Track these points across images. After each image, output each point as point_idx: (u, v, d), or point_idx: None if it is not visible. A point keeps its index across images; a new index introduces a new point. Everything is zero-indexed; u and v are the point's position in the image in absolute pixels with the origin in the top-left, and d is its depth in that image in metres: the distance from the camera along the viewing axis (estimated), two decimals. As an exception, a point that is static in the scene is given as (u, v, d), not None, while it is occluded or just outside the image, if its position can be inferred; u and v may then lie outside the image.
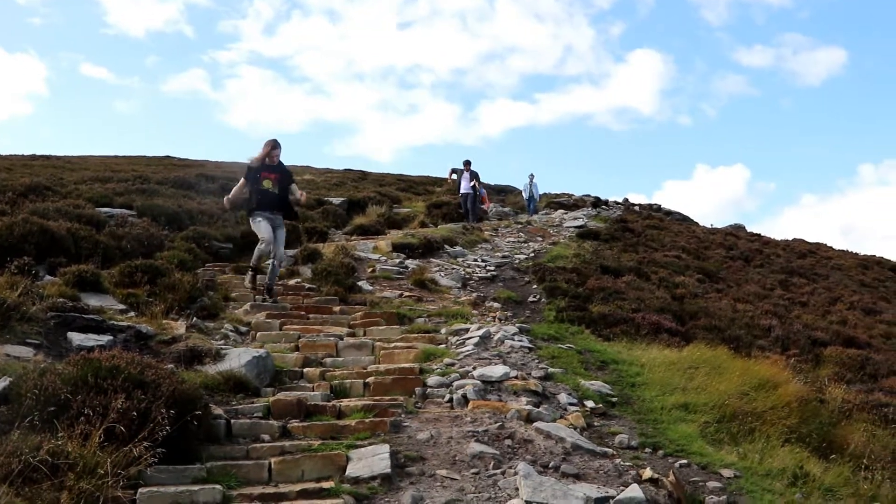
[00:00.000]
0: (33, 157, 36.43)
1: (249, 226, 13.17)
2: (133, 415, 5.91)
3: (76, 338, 8.99)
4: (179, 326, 10.21)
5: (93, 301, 10.62)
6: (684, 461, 7.25)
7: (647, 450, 7.49)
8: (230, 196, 13.06)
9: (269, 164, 12.73)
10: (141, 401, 6.03)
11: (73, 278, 11.08)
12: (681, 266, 22.17)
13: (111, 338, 9.10)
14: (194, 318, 10.71)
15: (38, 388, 6.08)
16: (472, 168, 28.25)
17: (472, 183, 27.81)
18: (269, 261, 12.71)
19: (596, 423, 8.13)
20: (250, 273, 13.03)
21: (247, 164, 12.97)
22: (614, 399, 8.97)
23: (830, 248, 37.67)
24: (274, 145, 12.78)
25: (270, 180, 12.67)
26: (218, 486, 5.81)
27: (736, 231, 39.10)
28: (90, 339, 8.93)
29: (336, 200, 26.83)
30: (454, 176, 29.47)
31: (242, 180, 12.87)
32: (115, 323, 9.71)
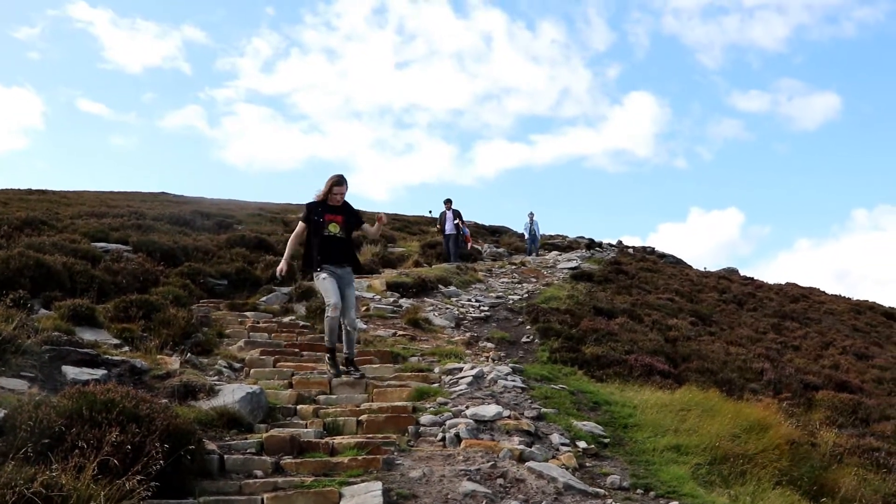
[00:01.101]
0: (29, 192, 36.49)
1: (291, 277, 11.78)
2: (127, 448, 5.93)
3: (71, 371, 9.01)
4: (174, 362, 10.23)
5: (88, 335, 10.65)
6: (676, 503, 7.28)
7: (639, 491, 7.52)
8: (289, 246, 10.73)
9: (333, 204, 10.35)
10: (135, 434, 6.05)
11: (68, 312, 11.12)
12: (674, 309, 22.24)
13: (106, 372, 9.12)
14: (189, 354, 10.74)
15: (34, 420, 6.10)
16: (453, 206, 27.97)
17: (456, 222, 27.53)
18: (344, 329, 10.43)
19: (588, 464, 8.15)
20: (328, 358, 10.50)
21: (305, 204, 10.71)
22: (606, 440, 8.99)
23: (823, 292, 37.83)
24: (338, 181, 10.30)
25: (337, 224, 10.31)
26: (210, 522, 5.82)
27: (729, 274, 39.23)
28: (84, 373, 8.96)
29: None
30: (437, 226, 29.32)
31: (301, 224, 10.51)
32: (110, 357, 9.74)
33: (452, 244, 27.42)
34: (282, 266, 10.57)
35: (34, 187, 39.01)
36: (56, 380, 8.83)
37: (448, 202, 28.04)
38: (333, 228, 10.27)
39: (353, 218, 10.53)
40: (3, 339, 8.76)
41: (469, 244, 29.54)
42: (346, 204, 10.51)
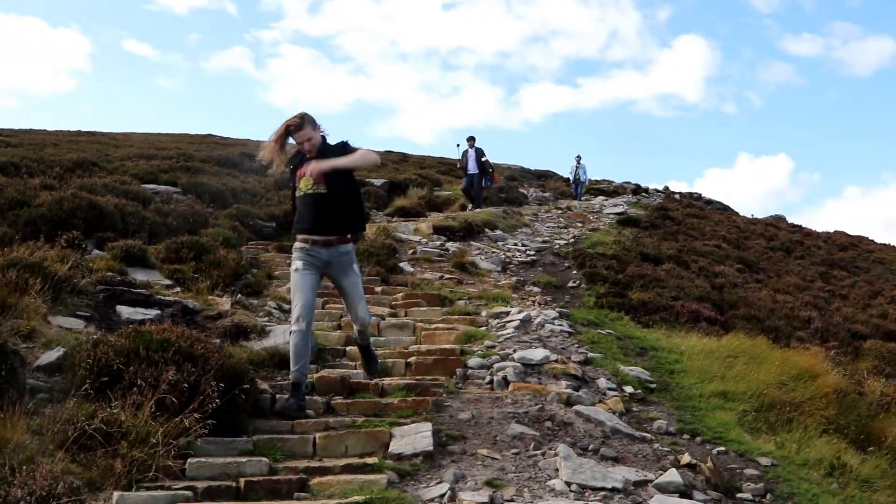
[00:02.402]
0: (78, 133, 36.87)
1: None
2: (183, 387, 6.07)
3: (125, 311, 9.19)
4: (224, 303, 10.37)
5: (140, 276, 10.81)
6: (722, 448, 7.32)
7: (686, 436, 7.56)
8: None
9: (306, 153, 7.33)
10: (191, 374, 6.19)
11: (120, 253, 11.28)
12: (721, 255, 22.12)
13: (159, 312, 9.29)
14: (239, 295, 10.88)
15: (92, 358, 6.26)
16: (476, 144, 25.88)
17: (484, 160, 25.42)
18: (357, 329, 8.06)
19: (634, 409, 8.20)
20: (290, 393, 7.23)
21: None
22: (653, 385, 9.03)
23: (872, 241, 37.44)
24: (292, 126, 7.23)
25: (311, 178, 7.24)
26: (264, 459, 5.94)
27: (777, 222, 38.94)
28: (138, 313, 9.13)
29: (377, 182, 26.92)
30: (458, 165, 27.13)
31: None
32: (162, 298, 9.90)
33: (477, 184, 25.54)
34: None
35: (83, 129, 39.40)
36: (111, 319, 9.01)
37: (471, 139, 26.08)
38: (305, 185, 7.25)
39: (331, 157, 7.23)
40: (59, 279, 8.93)
41: (494, 183, 27.89)
42: (329, 148, 7.32)
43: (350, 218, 7.45)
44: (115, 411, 5.67)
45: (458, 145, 27.17)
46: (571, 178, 34.19)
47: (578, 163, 33.46)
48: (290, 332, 7.25)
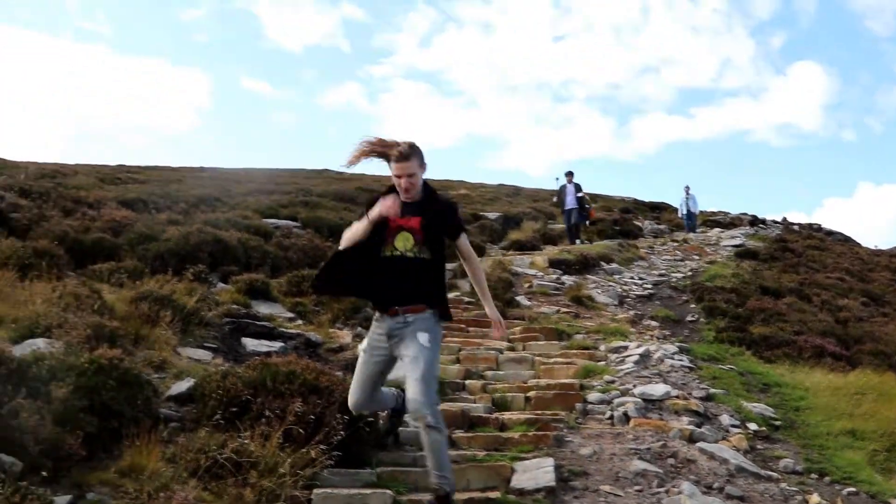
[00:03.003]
0: (201, 170, 37.93)
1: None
2: (309, 418, 6.19)
3: (250, 343, 9.41)
4: (345, 335, 10.53)
5: (263, 308, 11.07)
6: (852, 489, 7.13)
7: (813, 475, 7.40)
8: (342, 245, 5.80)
9: (407, 199, 5.57)
10: (316, 405, 6.32)
11: (244, 286, 11.56)
12: (844, 288, 21.55)
13: (282, 344, 9.49)
14: (359, 328, 11.02)
15: (222, 389, 6.44)
16: (574, 179, 25.18)
17: (580, 195, 24.75)
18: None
19: (759, 446, 8.05)
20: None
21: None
22: (777, 422, 8.86)
23: None
24: (400, 154, 5.48)
25: (410, 233, 5.54)
26: (388, 491, 5.99)
27: (902, 253, 37.74)
28: (263, 345, 9.34)
29: (492, 215, 27.03)
30: (555, 198, 26.81)
31: (358, 226, 5.66)
32: (285, 330, 10.12)
33: (576, 219, 24.89)
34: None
35: (205, 165, 40.53)
36: (237, 351, 9.24)
37: (570, 174, 25.33)
38: (403, 243, 5.50)
39: (441, 220, 5.62)
40: (188, 311, 9.19)
41: (591, 219, 26.87)
42: (431, 193, 5.68)
43: (438, 290, 5.70)
44: (244, 441, 5.81)
45: (556, 178, 26.88)
46: (682, 212, 33.30)
47: (687, 193, 32.54)
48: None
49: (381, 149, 5.53)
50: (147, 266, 11.65)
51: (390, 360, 5.71)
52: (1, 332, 7.47)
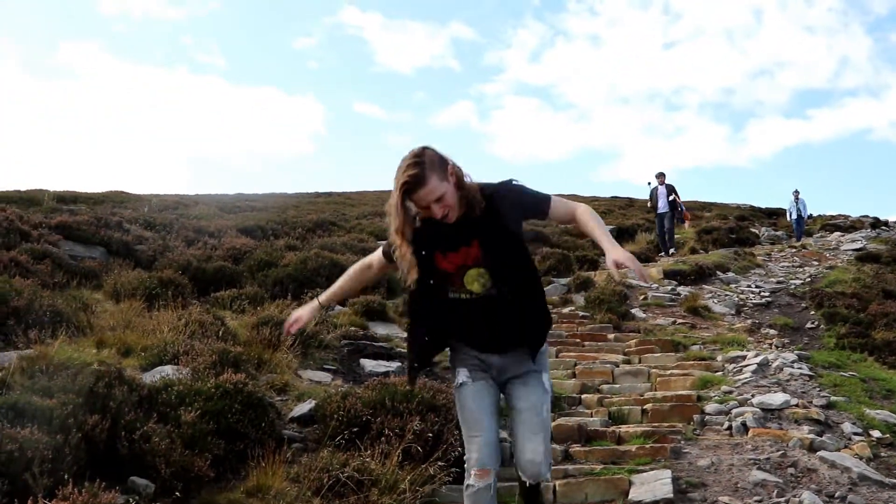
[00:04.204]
0: (317, 195, 38.70)
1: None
2: (427, 436, 6.34)
3: (368, 364, 9.63)
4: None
5: (380, 329, 11.30)
6: (982, 496, 6.96)
7: (940, 483, 7.23)
8: (341, 280, 4.95)
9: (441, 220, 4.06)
10: (434, 423, 6.47)
11: (361, 308, 11.83)
12: (972, 289, 20.89)
13: (400, 364, 9.67)
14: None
15: (342, 409, 6.65)
16: (667, 181, 24.09)
17: (671, 198, 23.58)
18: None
19: (883, 454, 7.90)
20: None
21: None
22: (902, 430, 8.67)
23: None
24: (412, 179, 3.91)
25: (476, 269, 4.18)
26: (506, 506, 6.10)
27: None
28: (381, 366, 9.55)
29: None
30: (649, 203, 25.63)
31: (374, 259, 4.67)
32: (402, 350, 10.29)
33: (668, 224, 23.89)
34: (297, 315, 4.76)
35: (321, 189, 41.32)
36: (355, 372, 9.47)
37: (661, 176, 24.25)
38: (474, 282, 4.20)
39: (509, 219, 4.18)
40: (307, 334, 9.46)
41: (687, 222, 26.46)
42: (476, 194, 4.12)
43: (540, 326, 4.37)
44: (365, 460, 5.99)
45: (648, 183, 25.63)
46: (792, 216, 32.42)
47: (797, 198, 31.73)
48: (466, 487, 4.31)
49: (399, 196, 3.98)
50: (267, 292, 12.03)
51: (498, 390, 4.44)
52: (131, 361, 7.83)
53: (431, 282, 4.19)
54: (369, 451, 6.13)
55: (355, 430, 6.46)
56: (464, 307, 4.22)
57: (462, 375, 4.37)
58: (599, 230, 4.12)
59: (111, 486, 4.68)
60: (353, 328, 10.69)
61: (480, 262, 4.12)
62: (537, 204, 4.18)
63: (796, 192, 31.61)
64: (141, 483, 5.20)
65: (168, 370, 7.27)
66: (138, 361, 7.82)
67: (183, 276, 12.04)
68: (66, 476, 4.51)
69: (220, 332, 8.95)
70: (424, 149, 3.97)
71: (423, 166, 3.87)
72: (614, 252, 3.92)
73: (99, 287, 11.60)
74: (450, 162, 3.99)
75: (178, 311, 9.74)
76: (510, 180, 4.20)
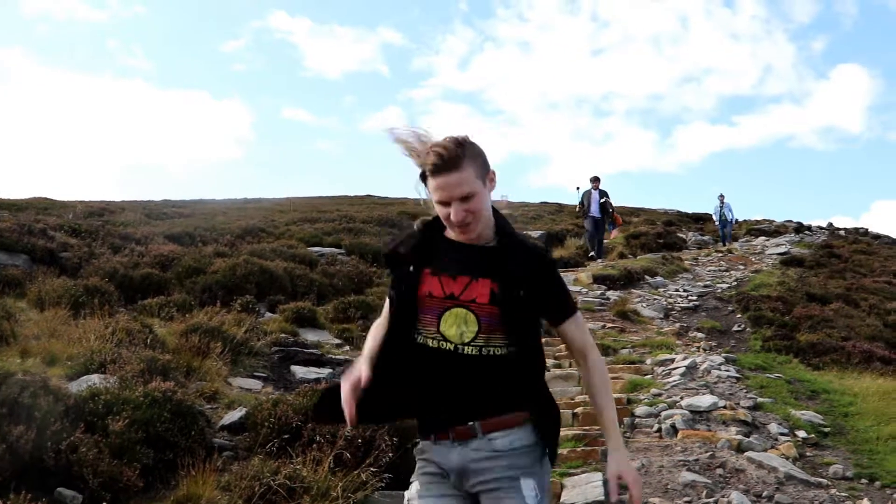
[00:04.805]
0: (246, 201, 38.44)
1: None
2: (359, 442, 6.32)
3: (299, 371, 9.57)
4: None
5: (310, 336, 11.25)
6: (904, 493, 7.12)
7: (864, 480, 7.37)
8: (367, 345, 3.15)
9: (459, 237, 3.01)
10: (366, 429, 6.44)
11: (291, 315, 11.76)
12: (892, 292, 21.37)
13: (331, 371, 9.63)
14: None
15: (273, 417, 6.60)
16: (601, 186, 23.67)
17: (602, 201, 23.28)
18: None
19: (808, 454, 8.05)
20: None
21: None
22: (826, 429, 8.83)
23: None
24: (447, 155, 2.89)
25: (470, 310, 2.93)
26: (440, 511, 6.09)
27: (952, 254, 37.26)
28: (312, 372, 9.50)
29: (535, 233, 27.12)
30: (578, 207, 24.70)
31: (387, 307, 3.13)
32: (333, 356, 10.28)
33: (599, 229, 23.71)
34: (347, 394, 2.97)
35: (249, 196, 41.03)
36: (286, 379, 9.41)
37: (596, 180, 23.74)
38: (457, 328, 2.94)
39: (533, 290, 2.97)
40: (237, 342, 9.38)
41: (617, 230, 26.26)
42: (510, 235, 3.07)
43: (534, 393, 3.07)
44: (296, 467, 5.95)
45: (577, 188, 25.40)
46: (717, 220, 32.67)
47: (722, 202, 31.96)
48: None
49: (410, 153, 3.03)
50: (195, 299, 11.90)
51: None
52: (57, 370, 7.69)
53: (400, 312, 3.00)
54: (301, 458, 6.10)
55: (286, 437, 6.42)
56: (427, 361, 2.95)
57: (411, 489, 3.11)
58: (608, 407, 3.08)
59: (38, 497, 4.60)
60: (283, 335, 10.62)
61: (482, 309, 2.90)
62: (560, 307, 3.06)
63: (721, 197, 31.89)
64: (68, 494, 5.11)
65: (95, 379, 7.16)
66: (64, 371, 7.68)
67: (109, 283, 11.85)
68: (-10, 487, 4.42)
69: (148, 340, 8.85)
70: (468, 138, 2.98)
71: (465, 149, 2.92)
72: (620, 461, 3.07)
73: (23, 295, 11.37)
74: (492, 168, 3.01)
75: (105, 319, 9.60)
76: (549, 253, 3.19)
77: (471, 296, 2.91)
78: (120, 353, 7.96)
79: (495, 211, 3.04)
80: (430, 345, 2.94)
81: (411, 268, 3.00)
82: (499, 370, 2.93)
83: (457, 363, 2.91)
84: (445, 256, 3.00)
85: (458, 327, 2.90)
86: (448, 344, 2.92)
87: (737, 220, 35.57)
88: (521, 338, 2.95)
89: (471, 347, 2.91)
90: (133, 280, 12.98)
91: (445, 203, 2.90)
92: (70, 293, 10.76)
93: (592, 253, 23.74)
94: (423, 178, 2.98)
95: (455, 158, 2.87)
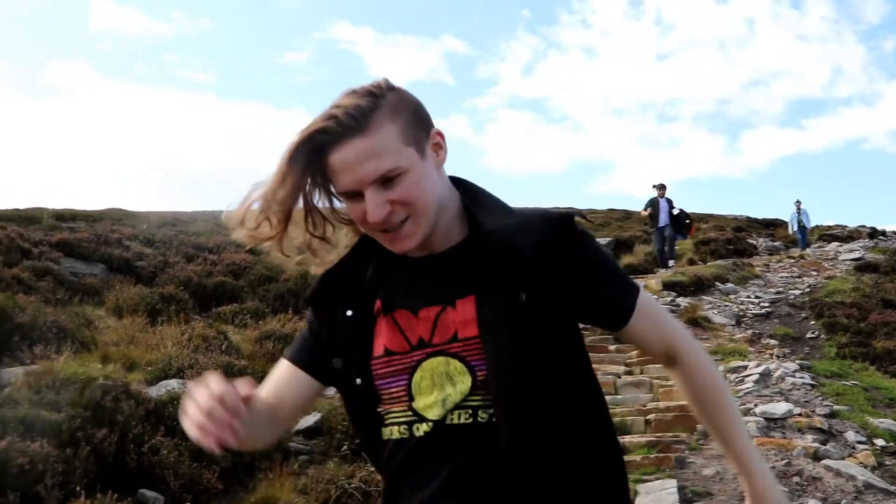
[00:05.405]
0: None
1: None
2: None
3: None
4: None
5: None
6: None
7: (944, 489, 7.25)
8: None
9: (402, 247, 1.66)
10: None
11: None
12: (971, 298, 20.94)
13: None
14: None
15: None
16: (667, 194, 22.70)
17: (679, 211, 22.44)
18: None
19: (887, 462, 7.92)
20: None
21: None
22: (906, 438, 8.70)
23: None
24: (340, 118, 1.57)
25: (454, 357, 1.62)
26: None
27: None
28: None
29: (603, 241, 26.97)
30: (644, 211, 22.97)
31: (284, 368, 1.78)
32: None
33: (669, 237, 22.64)
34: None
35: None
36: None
37: (662, 188, 22.47)
38: (432, 390, 1.63)
39: (561, 290, 1.65)
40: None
41: (690, 235, 24.96)
42: (480, 212, 1.71)
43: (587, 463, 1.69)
44: (371, 471, 6.00)
45: (653, 186, 23.03)
46: (794, 227, 32.19)
47: (798, 208, 31.45)
48: None
49: (296, 147, 1.61)
50: (268, 306, 12.04)
51: None
52: (136, 375, 7.85)
53: (350, 392, 1.72)
54: (375, 463, 6.15)
55: (359, 441, 6.48)
56: (409, 461, 1.67)
57: None
58: (735, 421, 1.89)
59: (121, 498, 4.70)
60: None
61: (464, 347, 1.64)
62: (611, 301, 1.77)
63: (798, 203, 31.40)
64: (151, 495, 5.22)
65: (173, 384, 7.30)
66: (143, 376, 7.85)
67: (184, 291, 12.08)
68: (77, 488, 4.54)
69: (224, 347, 8.99)
70: (387, 81, 1.71)
71: (377, 99, 1.64)
72: (769, 488, 1.85)
73: (101, 303, 11.63)
74: (434, 127, 1.73)
75: (181, 326, 9.77)
76: (572, 215, 1.73)
77: (448, 332, 1.65)
78: (197, 358, 8.11)
79: (458, 187, 1.78)
80: (400, 436, 1.66)
81: (349, 312, 1.72)
82: (534, 464, 1.61)
83: (447, 451, 1.62)
84: (396, 284, 1.73)
85: (438, 391, 1.63)
86: (425, 424, 1.63)
87: (816, 225, 35.02)
88: (550, 372, 1.64)
89: (466, 415, 1.61)
90: (207, 288, 13.20)
91: (353, 193, 1.63)
92: (146, 301, 10.98)
93: (662, 265, 22.76)
94: (320, 169, 1.64)
95: (360, 116, 1.60)
